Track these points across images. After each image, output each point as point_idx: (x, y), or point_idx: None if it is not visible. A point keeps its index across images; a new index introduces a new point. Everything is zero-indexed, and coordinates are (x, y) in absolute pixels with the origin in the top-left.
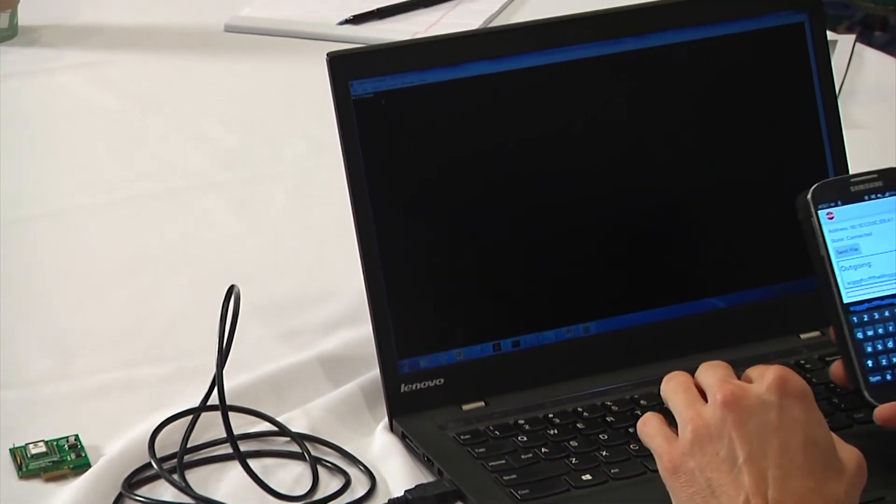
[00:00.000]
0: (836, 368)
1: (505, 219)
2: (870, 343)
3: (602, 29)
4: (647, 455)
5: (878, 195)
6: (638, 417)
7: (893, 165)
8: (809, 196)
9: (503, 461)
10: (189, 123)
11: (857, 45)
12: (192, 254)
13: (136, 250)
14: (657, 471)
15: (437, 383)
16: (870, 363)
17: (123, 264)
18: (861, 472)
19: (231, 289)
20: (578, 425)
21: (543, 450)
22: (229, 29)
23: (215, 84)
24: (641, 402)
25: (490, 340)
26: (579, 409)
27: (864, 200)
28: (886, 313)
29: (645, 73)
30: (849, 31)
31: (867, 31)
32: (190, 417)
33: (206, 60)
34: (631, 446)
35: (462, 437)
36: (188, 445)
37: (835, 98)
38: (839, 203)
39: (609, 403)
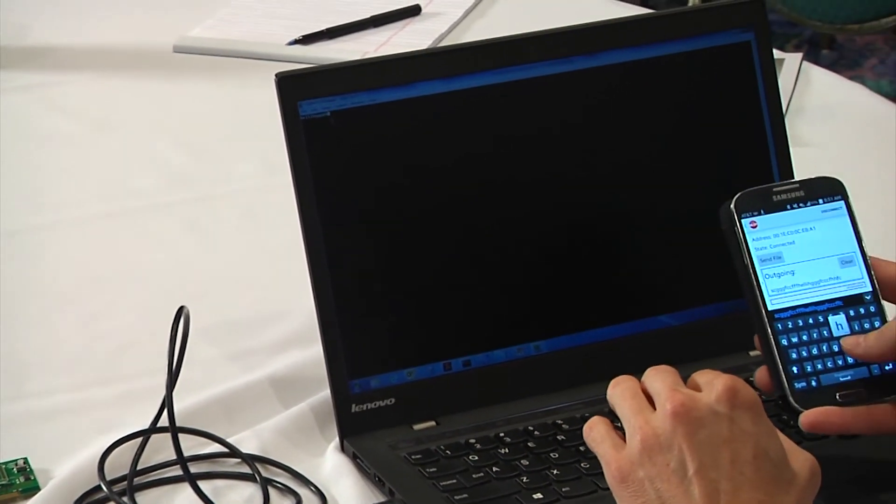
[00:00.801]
0: (762, 375)
1: (455, 238)
2: (794, 350)
3: (552, 48)
4: (597, 473)
5: (801, 204)
6: None
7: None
8: (733, 205)
9: (454, 480)
10: (139, 144)
11: (804, 63)
12: (143, 274)
13: (86, 271)
14: (608, 489)
15: (388, 403)
16: (794, 369)
17: (74, 285)
18: (814, 479)
19: (180, 310)
20: (529, 444)
21: (494, 469)
22: (178, 49)
23: (165, 105)
24: None
25: (441, 360)
26: (530, 428)
27: (786, 209)
28: (810, 320)
29: (594, 92)
30: (796, 49)
31: (814, 49)
32: (140, 439)
33: (155, 81)
34: (582, 465)
35: (413, 456)
36: (138, 467)
37: (782, 116)
38: (762, 212)
39: (560, 422)
